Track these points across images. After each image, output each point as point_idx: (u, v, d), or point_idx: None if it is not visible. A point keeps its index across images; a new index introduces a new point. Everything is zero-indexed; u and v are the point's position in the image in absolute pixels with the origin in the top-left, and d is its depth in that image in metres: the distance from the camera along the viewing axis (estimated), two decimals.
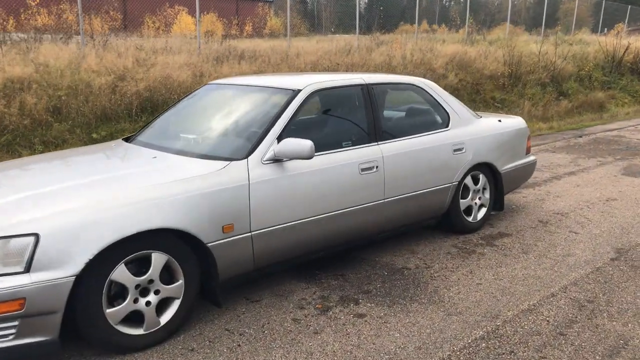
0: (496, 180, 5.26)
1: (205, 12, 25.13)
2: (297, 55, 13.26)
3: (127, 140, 4.41)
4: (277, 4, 33.69)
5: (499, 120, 5.38)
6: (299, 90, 3.98)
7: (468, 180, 4.97)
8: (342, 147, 4.07)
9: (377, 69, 12.59)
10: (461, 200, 4.95)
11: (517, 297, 3.80)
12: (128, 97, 8.84)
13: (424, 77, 12.59)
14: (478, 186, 5.07)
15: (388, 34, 20.41)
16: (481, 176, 5.09)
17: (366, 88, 4.36)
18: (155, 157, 3.72)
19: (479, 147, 4.97)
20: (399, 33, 27.49)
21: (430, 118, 4.87)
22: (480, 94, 13.52)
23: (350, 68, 12.46)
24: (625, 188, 6.59)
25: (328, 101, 4.35)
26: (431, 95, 4.83)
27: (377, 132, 4.29)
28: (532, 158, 5.71)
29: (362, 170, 4.06)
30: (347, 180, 3.97)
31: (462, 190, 4.96)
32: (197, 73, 10.47)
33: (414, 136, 4.54)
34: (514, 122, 5.55)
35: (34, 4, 18.28)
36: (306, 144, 3.55)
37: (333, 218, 3.92)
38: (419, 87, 4.79)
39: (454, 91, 13.01)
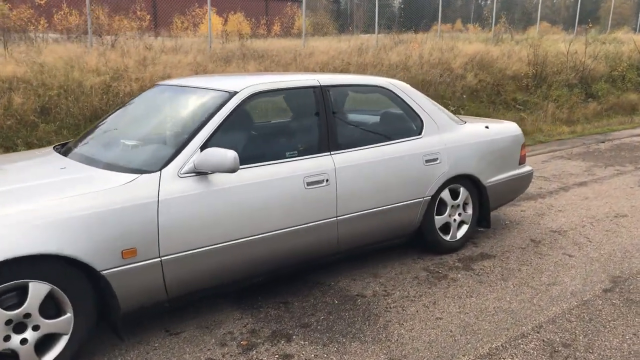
0: (481, 194, 4.61)
1: (231, 12, 24.86)
2: (309, 54, 12.73)
3: (62, 146, 3.96)
4: (306, 4, 33.20)
5: (486, 127, 4.73)
6: (235, 93, 3.45)
7: (445, 195, 4.35)
8: (285, 157, 3.52)
9: (390, 69, 11.96)
10: (437, 217, 4.33)
11: (479, 338, 3.19)
12: (120, 98, 8.45)
13: (441, 77, 11.93)
14: (457, 201, 4.44)
15: (418, 33, 19.72)
16: (462, 190, 4.47)
17: (320, 90, 3.80)
18: (64, 168, 3.25)
19: (459, 157, 4.35)
20: (432, 32, 26.66)
21: (399, 124, 4.27)
22: (501, 95, 12.74)
23: (362, 68, 11.87)
24: None
25: (272, 105, 3.79)
26: (401, 99, 4.23)
27: (330, 140, 3.73)
28: (526, 169, 5.04)
29: (308, 184, 3.51)
30: (289, 196, 3.42)
31: (438, 205, 4.34)
32: (200, 72, 10.04)
33: (377, 145, 3.96)
34: (505, 129, 4.90)
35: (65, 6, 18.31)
36: (228, 155, 3.03)
37: (270, 239, 3.38)
38: (387, 89, 4.20)
39: (473, 92, 12.30)
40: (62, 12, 18.65)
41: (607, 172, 7.29)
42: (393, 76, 11.51)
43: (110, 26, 19.61)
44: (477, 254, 4.45)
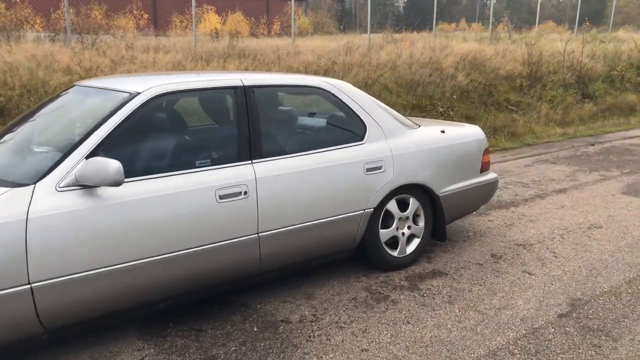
0: (435, 205, 4.16)
1: (230, 11, 24.46)
2: (297, 54, 12.29)
3: None
4: (307, 3, 32.80)
5: (442, 131, 4.28)
6: (137, 94, 3.03)
7: (392, 206, 3.91)
8: (194, 167, 3.09)
9: (377, 68, 11.50)
10: (382, 231, 3.89)
11: None
12: None
13: (430, 77, 11.45)
14: (406, 213, 3.99)
15: (420, 32, 19.28)
16: (411, 200, 4.02)
17: (243, 91, 3.36)
18: None
19: (407, 164, 3.90)
20: (437, 32, 26.16)
21: (338, 129, 3.84)
22: (493, 95, 12.23)
23: (347, 67, 11.41)
24: (618, 212, 5.35)
25: (183, 108, 3.37)
26: (341, 101, 3.78)
27: (253, 147, 3.29)
28: (490, 177, 4.58)
29: (222, 197, 3.08)
30: (196, 211, 2.99)
31: (383, 218, 3.89)
32: (176, 71, 9.61)
33: (310, 152, 3.52)
34: (465, 134, 4.44)
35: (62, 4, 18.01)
36: (110, 165, 2.61)
37: (174, 260, 2.95)
38: (324, 90, 3.75)
39: (463, 93, 11.81)
40: (60, 11, 18.36)
41: (591, 177, 6.80)
42: (380, 76, 11.07)
43: (109, 25, 19.29)
44: (428, 271, 4.00)
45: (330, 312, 3.41)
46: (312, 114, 3.96)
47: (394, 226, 3.96)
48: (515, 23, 26.63)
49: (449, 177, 4.19)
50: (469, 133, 4.49)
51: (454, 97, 11.50)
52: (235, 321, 3.30)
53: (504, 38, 17.32)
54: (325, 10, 36.06)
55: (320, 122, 3.90)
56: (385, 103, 10.34)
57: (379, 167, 3.77)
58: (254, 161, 3.28)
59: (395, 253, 4.01)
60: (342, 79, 10.55)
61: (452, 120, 10.89)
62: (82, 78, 8.59)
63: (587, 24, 19.01)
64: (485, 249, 4.44)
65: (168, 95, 3.13)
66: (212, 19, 24.61)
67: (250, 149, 3.30)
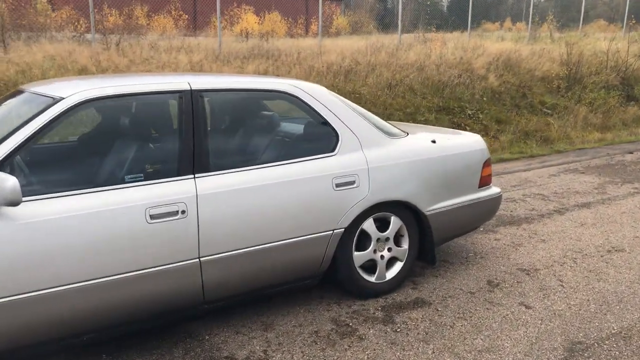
0: (422, 224, 3.65)
1: (267, 11, 24.28)
2: (323, 53, 11.84)
3: None
4: (349, 3, 32.31)
5: (433, 141, 3.76)
6: (60, 99, 2.65)
7: (368, 225, 3.43)
8: (123, 182, 2.68)
9: (402, 69, 10.94)
10: (356, 253, 3.41)
11: None
12: None
13: (459, 78, 10.81)
14: (386, 233, 3.51)
15: (463, 32, 18.65)
16: (393, 219, 3.52)
17: (190, 96, 2.94)
18: None
19: (387, 179, 3.41)
20: (479, 30, 25.43)
21: (305, 139, 3.38)
22: (527, 97, 11.50)
23: (371, 67, 10.89)
24: None
25: (115, 116, 2.98)
26: (311, 107, 3.32)
27: (197, 159, 2.88)
28: (491, 192, 4.03)
29: (153, 216, 2.67)
30: (121, 232, 2.60)
31: (359, 238, 3.42)
32: (194, 72, 9.33)
33: (268, 165, 3.08)
34: (462, 144, 3.91)
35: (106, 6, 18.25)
36: (6, 183, 2.22)
37: (91, 289, 2.55)
38: (290, 95, 3.30)
39: (494, 95, 11.13)
40: (103, 13, 18.53)
41: (622, 190, 6.10)
42: (405, 77, 10.51)
43: (149, 25, 19.34)
44: (410, 300, 3.49)
45: (284, 348, 2.95)
46: (276, 122, 3.50)
47: (370, 248, 3.47)
48: (562, 22, 25.45)
49: (438, 193, 3.67)
50: (466, 143, 3.95)
51: (484, 99, 10.84)
52: (174, 355, 2.88)
53: (544, 37, 16.40)
54: (367, 9, 35.48)
55: (284, 130, 3.44)
56: (409, 105, 9.85)
57: (352, 182, 3.29)
58: (196, 176, 2.86)
59: (372, 278, 3.52)
60: (364, 79, 10.07)
61: (482, 123, 10.26)
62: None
63: (634, 22, 17.85)
64: (483, 273, 3.89)
65: (97, 101, 2.74)
66: (249, 19, 24.46)
67: (194, 161, 2.88)
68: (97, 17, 18.15)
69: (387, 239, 3.53)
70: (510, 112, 10.82)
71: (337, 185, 3.24)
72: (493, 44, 13.34)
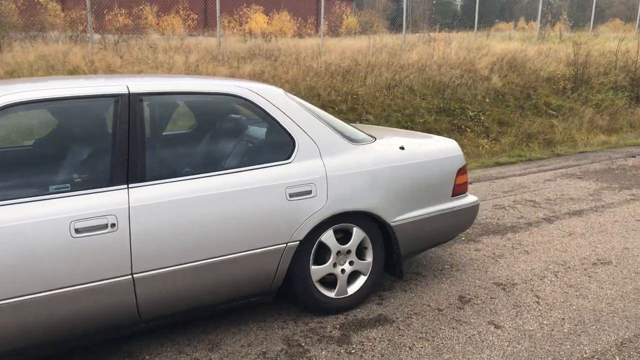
0: (388, 236, 3.42)
1: (276, 11, 24.12)
2: (323, 53, 11.60)
3: None
4: (361, 3, 32.03)
5: (401, 148, 3.51)
6: None
7: (328, 237, 3.19)
8: (46, 193, 2.48)
9: (402, 69, 10.66)
10: (314, 267, 3.19)
11: None
12: None
13: (461, 78, 10.52)
14: (347, 245, 3.27)
15: (476, 32, 18.36)
16: (355, 230, 3.29)
17: (127, 100, 2.74)
18: None
19: (348, 188, 3.17)
20: (493, 31, 25.09)
21: (257, 146, 3.15)
22: (532, 98, 11.17)
23: (370, 67, 10.63)
24: (639, 243, 4.40)
25: (42, 121, 2.76)
26: (264, 111, 3.10)
27: (132, 168, 2.67)
28: (466, 201, 3.77)
29: (79, 230, 2.46)
30: (44, 247, 2.39)
31: (317, 251, 3.19)
32: (188, 73, 9.14)
33: (211, 174, 2.86)
34: (432, 150, 3.66)
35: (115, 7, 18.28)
36: None
37: (9, 309, 2.36)
38: (242, 98, 3.07)
39: (497, 96, 10.82)
40: (113, 13, 18.56)
41: (618, 197, 5.80)
42: (405, 77, 10.24)
43: (159, 25, 19.28)
44: (372, 317, 3.25)
45: None
46: (224, 128, 3.28)
47: (329, 262, 3.24)
48: (575, 21, 24.95)
49: (406, 203, 3.43)
50: (439, 150, 3.70)
51: (487, 100, 10.54)
52: None
53: (552, 37, 16.00)
54: (380, 9, 35.14)
55: (235, 136, 3.21)
56: (408, 106, 9.58)
57: (308, 192, 3.06)
58: (130, 186, 2.65)
59: (332, 294, 3.29)
60: (363, 80, 9.81)
61: (484, 125, 9.97)
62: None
63: None
64: (455, 288, 3.64)
65: (23, 105, 2.54)
66: (258, 19, 24.33)
67: (128, 170, 2.67)
68: (108, 17, 18.17)
69: (349, 251, 3.30)
70: (513, 114, 10.51)
71: (291, 195, 3.01)
72: (498, 44, 13.00)
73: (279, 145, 3.12)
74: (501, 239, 4.56)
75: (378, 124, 9.12)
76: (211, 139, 3.14)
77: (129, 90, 2.77)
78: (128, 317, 2.70)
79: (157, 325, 2.86)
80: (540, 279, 3.77)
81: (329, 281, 3.31)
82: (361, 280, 3.39)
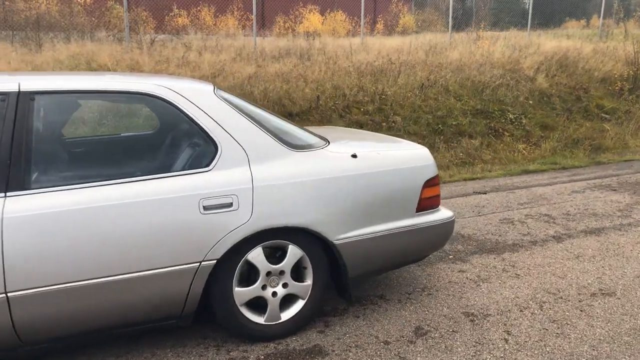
0: (331, 255, 2.99)
1: (330, 10, 23.88)
2: (351, 53, 11.16)
3: None
4: (417, 2, 31.20)
5: (353, 156, 3.07)
6: None
7: (255, 256, 2.81)
8: None
9: (438, 68, 10.07)
10: (238, 289, 2.81)
11: None
12: None
13: (502, 78, 9.82)
14: (280, 265, 2.87)
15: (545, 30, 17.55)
16: (291, 249, 2.89)
17: (15, 99, 2.46)
18: None
19: (279, 200, 2.78)
20: (563, 29, 23.99)
21: (170, 151, 2.80)
22: (582, 101, 10.29)
23: (406, 66, 10.10)
24: None
25: None
26: (183, 113, 2.75)
27: (12, 174, 2.39)
28: (436, 217, 3.29)
29: None
30: None
31: (244, 271, 2.82)
32: (214, 72, 8.95)
33: (109, 182, 2.54)
34: (394, 159, 3.20)
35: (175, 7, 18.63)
36: None
37: None
38: (158, 98, 2.73)
39: (542, 97, 10.04)
40: (172, 14, 18.89)
41: None
42: (441, 77, 9.66)
43: (216, 26, 19.48)
44: (307, 347, 2.84)
45: None
46: (135, 131, 2.95)
47: (257, 284, 2.85)
48: None
49: (355, 219, 2.99)
50: (403, 158, 3.23)
51: (530, 102, 9.78)
52: None
53: (617, 34, 14.82)
54: (444, 8, 34.14)
55: (148, 141, 2.88)
56: (441, 107, 8.98)
57: (227, 204, 2.69)
58: (8, 194, 2.37)
59: (261, 319, 2.89)
60: (395, 79, 9.30)
61: (524, 129, 9.24)
62: None
63: None
64: (417, 317, 3.16)
65: None
66: (312, 19, 24.17)
67: (8, 177, 2.39)
68: (167, 17, 18.47)
69: (282, 272, 2.89)
70: (559, 117, 9.70)
71: (206, 208, 2.65)
72: (549, 42, 12.10)
73: (199, 151, 2.77)
74: (495, 259, 4.01)
75: (406, 126, 8.61)
76: (118, 143, 2.82)
77: (19, 88, 2.49)
78: (6, 339, 2.41)
79: (50, 349, 2.56)
80: (520, 311, 3.22)
81: (263, 304, 2.92)
82: (298, 305, 2.99)
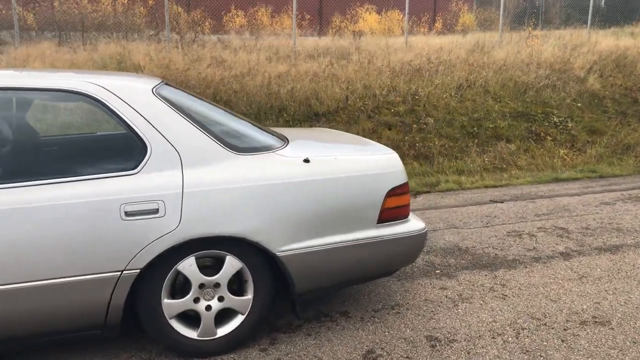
0: (276, 267, 2.76)
1: (387, 9, 23.55)
2: (389, 52, 10.80)
3: None
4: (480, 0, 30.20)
5: (305, 160, 2.82)
6: None
7: (187, 266, 2.62)
8: None
9: (478, 67, 9.57)
10: (167, 301, 2.63)
11: None
12: None
13: (548, 78, 9.24)
14: (215, 277, 2.67)
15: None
16: (228, 260, 2.68)
17: None
18: None
19: (212, 207, 2.58)
20: (631, 26, 22.74)
21: (96, 153, 2.65)
22: (639, 104, 9.50)
23: (447, 66, 9.67)
24: None
25: None
26: (114, 112, 2.60)
27: None
28: (402, 229, 2.99)
29: None
30: None
31: (180, 282, 2.64)
32: (245, 71, 8.87)
33: (19, 185, 2.40)
34: (353, 164, 2.93)
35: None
36: None
37: None
38: (88, 96, 2.59)
39: (593, 99, 9.37)
40: (230, 14, 19.22)
41: None
42: (481, 77, 9.17)
43: (272, 26, 19.64)
44: None
45: None
46: (60, 130, 2.80)
47: (189, 296, 2.65)
48: None
49: (303, 229, 2.74)
50: (364, 164, 2.95)
51: (578, 104, 9.12)
52: None
53: None
54: (511, 7, 32.94)
55: (74, 141, 2.73)
56: (478, 109, 8.50)
57: (153, 210, 2.51)
58: None
59: (194, 334, 2.69)
60: (429, 79, 8.92)
61: (570, 133, 8.63)
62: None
63: None
64: (373, 338, 2.87)
65: None
66: (369, 19, 23.93)
67: None
68: (226, 18, 18.76)
69: (217, 284, 2.68)
70: (610, 121, 9.00)
71: (128, 214, 2.47)
72: (605, 40, 11.29)
73: (127, 152, 2.60)
74: (486, 276, 3.64)
75: (439, 128, 8.21)
76: (40, 143, 2.69)
77: None
78: None
79: None
80: (492, 338, 2.87)
81: (198, 318, 2.72)
82: (237, 321, 2.77)
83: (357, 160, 2.98)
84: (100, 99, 2.58)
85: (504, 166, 7.47)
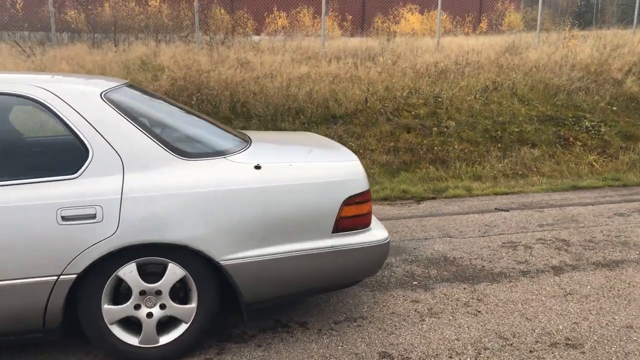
0: (223, 277, 2.70)
1: (429, 10, 23.22)
2: (424, 53, 10.58)
3: None
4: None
5: (257, 167, 2.75)
6: None
7: (127, 272, 2.59)
8: None
9: (507, 69, 9.26)
10: (107, 307, 2.60)
11: None
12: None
13: (581, 80, 8.87)
14: (157, 285, 2.62)
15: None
16: (170, 267, 2.63)
17: None
18: None
19: (153, 213, 2.54)
20: None
21: (32, 156, 2.65)
22: None
23: (475, 67, 9.39)
24: None
25: None
26: (57, 115, 2.60)
27: None
28: (361, 239, 2.88)
29: None
30: None
31: (120, 288, 2.61)
32: (266, 73, 8.87)
33: None
34: (308, 171, 2.83)
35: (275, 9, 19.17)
36: None
37: None
38: (31, 99, 2.59)
39: (630, 103, 8.93)
40: (272, 15, 19.41)
41: None
42: (511, 80, 8.88)
43: (314, 27, 19.72)
44: None
45: None
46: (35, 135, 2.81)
47: (129, 302, 2.62)
48: None
49: (250, 237, 2.67)
50: (319, 171, 2.85)
51: (613, 108, 8.69)
52: None
53: None
54: (565, 5, 31.89)
55: (10, 145, 2.73)
56: (504, 112, 8.22)
57: (90, 215, 2.48)
58: None
59: (135, 341, 2.65)
60: (454, 81, 8.69)
61: (602, 139, 8.23)
62: (153, 77, 8.40)
63: None
64: (323, 353, 2.77)
65: None
66: (412, 19, 23.68)
67: None
68: (268, 19, 18.93)
69: (159, 292, 2.63)
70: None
71: (65, 219, 2.46)
72: None
73: (69, 157, 2.58)
74: (464, 290, 3.47)
75: (460, 132, 7.96)
76: None
77: None
78: None
79: None
80: (449, 357, 2.71)
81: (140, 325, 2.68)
82: (180, 329, 2.71)
83: (314, 167, 2.87)
84: (45, 103, 2.58)
85: (525, 172, 7.18)
